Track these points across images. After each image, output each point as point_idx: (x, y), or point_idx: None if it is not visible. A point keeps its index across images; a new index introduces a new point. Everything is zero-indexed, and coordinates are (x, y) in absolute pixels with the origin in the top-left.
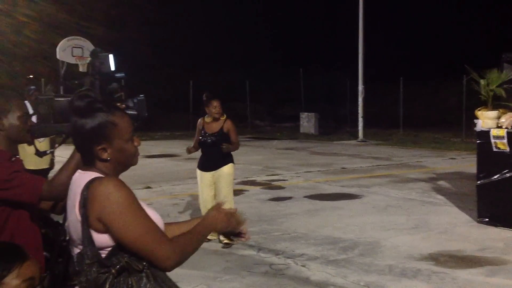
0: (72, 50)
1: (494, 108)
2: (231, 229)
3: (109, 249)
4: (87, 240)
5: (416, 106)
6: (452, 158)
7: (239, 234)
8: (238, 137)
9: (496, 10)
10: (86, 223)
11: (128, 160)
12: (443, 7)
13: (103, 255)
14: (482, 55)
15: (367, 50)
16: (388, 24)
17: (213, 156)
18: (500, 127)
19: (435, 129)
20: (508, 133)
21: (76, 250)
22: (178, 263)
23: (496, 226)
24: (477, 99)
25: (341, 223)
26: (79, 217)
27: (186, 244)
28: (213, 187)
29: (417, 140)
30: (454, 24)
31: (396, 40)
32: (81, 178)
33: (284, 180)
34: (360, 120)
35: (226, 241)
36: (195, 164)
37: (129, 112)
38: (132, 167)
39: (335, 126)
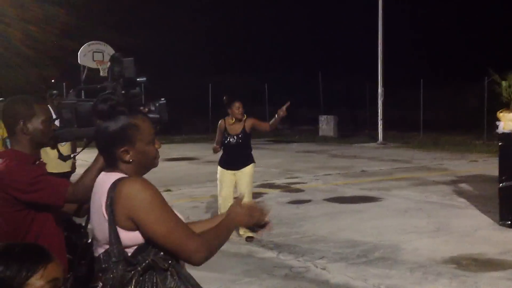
0: (93, 55)
1: None
2: (255, 222)
3: (135, 247)
4: (114, 239)
5: (437, 108)
6: (473, 161)
7: (263, 226)
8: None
9: None
10: (114, 222)
11: (149, 162)
12: (464, 9)
13: (129, 254)
14: (504, 57)
15: (387, 53)
16: (408, 26)
17: (236, 157)
18: None
19: (456, 132)
20: None
21: (101, 250)
22: (207, 257)
23: None
24: (499, 101)
25: (361, 226)
26: (106, 216)
27: (213, 238)
28: (233, 186)
29: (437, 142)
30: (475, 25)
31: (416, 42)
32: (106, 179)
33: (303, 183)
34: (380, 122)
35: (248, 234)
36: (214, 167)
37: (151, 116)
38: (152, 170)
39: (354, 129)
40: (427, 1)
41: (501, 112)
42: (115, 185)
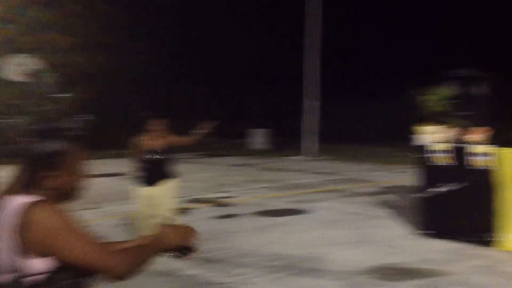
0: (16, 68)
1: (435, 123)
2: (183, 243)
3: (45, 275)
4: (23, 266)
5: (367, 121)
6: (400, 172)
7: (191, 249)
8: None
9: (442, 28)
10: (24, 248)
11: (71, 192)
12: (391, 22)
13: (38, 281)
14: (430, 72)
15: (322, 66)
16: (343, 40)
17: (156, 174)
18: (441, 141)
19: (384, 144)
20: (449, 147)
21: (7, 278)
22: (130, 272)
23: (438, 238)
24: (423, 114)
25: (288, 239)
26: (15, 242)
27: (135, 255)
28: (153, 204)
29: (366, 154)
30: (407, 39)
31: (349, 56)
32: (16, 201)
33: (233, 197)
34: (311, 135)
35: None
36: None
37: (76, 133)
38: None
39: (285, 142)
40: (358, 14)
41: (421, 125)
42: (25, 210)
